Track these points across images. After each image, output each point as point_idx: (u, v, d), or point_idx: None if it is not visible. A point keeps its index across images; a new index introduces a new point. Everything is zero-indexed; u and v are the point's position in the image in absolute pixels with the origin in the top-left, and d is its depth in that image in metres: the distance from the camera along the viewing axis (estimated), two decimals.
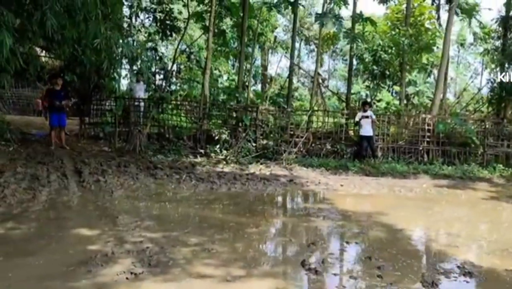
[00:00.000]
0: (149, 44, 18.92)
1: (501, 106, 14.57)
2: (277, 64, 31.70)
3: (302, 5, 18.45)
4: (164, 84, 19.08)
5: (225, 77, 23.86)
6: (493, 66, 16.52)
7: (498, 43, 16.40)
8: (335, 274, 4.47)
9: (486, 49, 17.19)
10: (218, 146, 12.17)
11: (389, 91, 19.40)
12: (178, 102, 14.73)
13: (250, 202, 7.86)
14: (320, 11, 14.76)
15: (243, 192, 8.52)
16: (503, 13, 15.59)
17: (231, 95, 14.79)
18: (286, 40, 27.51)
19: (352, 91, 21.80)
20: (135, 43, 18.10)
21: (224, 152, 11.96)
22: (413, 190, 9.61)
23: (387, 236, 6.00)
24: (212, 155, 11.81)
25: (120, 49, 11.96)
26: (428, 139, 12.85)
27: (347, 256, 5.23)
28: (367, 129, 12.34)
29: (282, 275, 4.41)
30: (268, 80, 27.17)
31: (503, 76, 13.89)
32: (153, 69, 20.61)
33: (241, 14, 14.54)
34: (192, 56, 20.69)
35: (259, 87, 28.02)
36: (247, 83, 18.38)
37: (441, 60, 13.75)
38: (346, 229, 6.33)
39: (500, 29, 15.78)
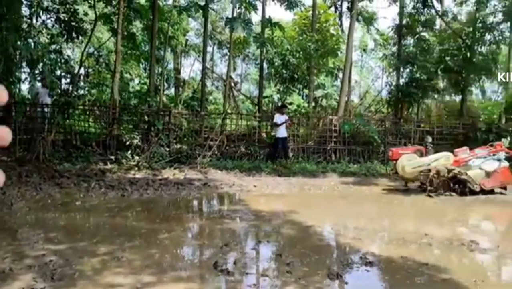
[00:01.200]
0: (53, 46, 17.82)
1: (398, 107, 15.82)
2: (191, 68, 31.46)
3: (213, 9, 18.55)
4: (70, 88, 18.08)
5: (136, 81, 23.21)
6: (390, 70, 17.89)
7: (394, 49, 17.78)
8: (247, 274, 4.56)
9: (384, 54, 18.57)
10: (129, 152, 11.82)
11: (300, 94, 20.16)
12: (86, 107, 14.07)
13: (163, 208, 7.75)
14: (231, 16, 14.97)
15: (156, 197, 8.38)
16: (398, 21, 16.97)
17: (142, 99, 14.45)
18: (199, 44, 27.44)
19: (265, 94, 22.35)
20: (36, 45, 16.94)
21: (136, 157, 11.65)
22: (322, 188, 10.10)
23: (297, 233, 6.25)
24: (123, 161, 11.45)
25: (18, 51, 11.16)
26: (335, 139, 13.58)
27: (259, 255, 5.36)
28: (282, 131, 12.77)
29: (194, 278, 4.42)
30: (182, 84, 26.90)
31: (398, 79, 15.10)
32: (58, 73, 19.43)
33: (151, 17, 14.27)
34: (101, 60, 19.85)
35: (172, 91, 27.64)
36: (159, 87, 18.06)
37: (344, 64, 14.61)
38: (259, 229, 6.49)
39: (395, 36, 17.13)
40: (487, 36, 14.58)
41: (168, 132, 12.60)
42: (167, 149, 12.37)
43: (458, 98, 18.54)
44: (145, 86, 18.45)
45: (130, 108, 13.88)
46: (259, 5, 14.76)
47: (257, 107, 16.90)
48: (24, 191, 7.90)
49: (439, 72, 15.54)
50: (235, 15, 14.06)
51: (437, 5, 17.13)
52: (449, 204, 8.96)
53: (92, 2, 15.07)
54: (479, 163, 9.45)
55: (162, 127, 12.55)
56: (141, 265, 4.58)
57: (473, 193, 9.26)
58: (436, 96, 18.17)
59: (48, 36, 17.37)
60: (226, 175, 11.16)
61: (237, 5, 13.58)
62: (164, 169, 11.20)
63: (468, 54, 14.66)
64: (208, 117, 14.28)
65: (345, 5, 17.44)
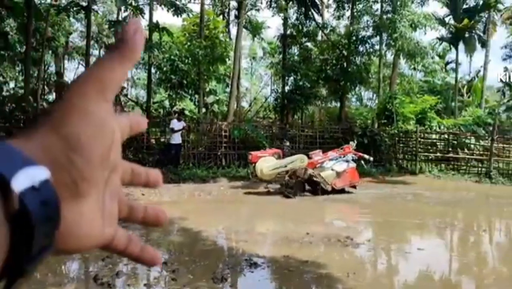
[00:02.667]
0: None
1: (284, 113, 16.55)
2: (75, 72, 29.62)
3: (96, 11, 17.68)
4: None
5: (12, 84, 21.26)
6: (277, 78, 18.68)
7: (281, 57, 18.61)
8: (129, 285, 4.43)
9: (271, 62, 19.34)
10: None
11: (192, 100, 20.09)
12: None
13: None
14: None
15: None
16: (282, 31, 17.81)
17: (18, 104, 13.24)
18: (83, 47, 26.00)
19: (155, 100, 21.90)
20: None
21: None
22: (212, 193, 10.16)
23: (185, 240, 6.23)
24: None
25: None
26: (225, 144, 13.75)
27: (143, 265, 5.22)
28: (176, 138, 12.62)
29: None
30: (65, 88, 25.19)
31: (283, 87, 15.82)
32: None
33: (26, 15, 13.18)
34: None
35: (54, 96, 25.80)
36: (39, 92, 16.75)
37: (233, 71, 14.89)
38: (145, 238, 6.32)
39: (281, 45, 17.94)
40: (361, 48, 15.98)
41: None
42: None
43: (338, 104, 19.97)
44: (22, 91, 16.99)
45: (3, 114, 12.63)
46: (147, 9, 14.44)
47: (145, 113, 16.43)
48: None
49: (320, 80, 16.61)
50: (121, 18, 13.55)
51: (318, 18, 18.33)
52: (316, 203, 9.45)
53: None
54: (331, 165, 10.03)
55: None
56: None
57: (325, 192, 9.78)
58: (318, 103, 19.35)
59: None
60: None
61: (123, 8, 13.13)
62: None
63: (345, 64, 15.90)
64: None
65: (233, 13, 17.81)
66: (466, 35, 25.63)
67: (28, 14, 12.76)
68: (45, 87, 26.73)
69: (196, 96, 19.23)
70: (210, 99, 21.07)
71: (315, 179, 9.70)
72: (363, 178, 13.79)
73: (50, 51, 21.88)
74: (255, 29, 19.37)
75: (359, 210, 9.25)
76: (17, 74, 21.49)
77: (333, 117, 17.93)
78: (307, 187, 9.88)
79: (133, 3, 13.14)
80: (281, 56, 18.08)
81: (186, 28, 18.25)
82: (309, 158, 10.09)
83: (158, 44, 14.47)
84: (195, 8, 17.65)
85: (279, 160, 10.04)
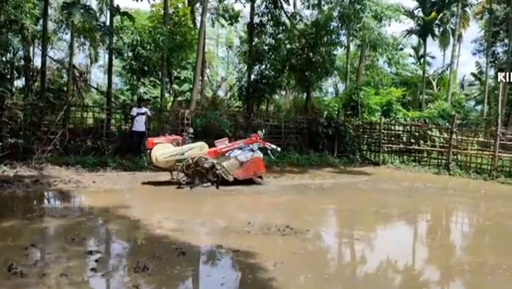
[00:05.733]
0: None
1: (250, 102, 16.42)
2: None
3: None
4: None
5: None
6: (243, 66, 18.46)
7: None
8: (44, 275, 4.28)
9: (239, 50, 19.13)
10: None
11: (167, 89, 19.75)
12: None
13: None
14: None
15: None
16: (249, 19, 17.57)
17: None
18: (54, 31, 25.28)
19: (127, 87, 21.46)
20: None
21: None
22: (166, 181, 9.99)
23: (120, 229, 6.15)
24: None
25: None
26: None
27: (66, 253, 5.06)
28: (137, 125, 12.46)
29: None
30: (33, 73, 24.56)
31: (249, 76, 15.63)
32: None
33: None
34: None
35: (24, 81, 25.18)
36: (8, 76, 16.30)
37: (196, 58, 14.64)
38: (80, 226, 6.17)
39: (254, 33, 17.72)
40: (325, 38, 15.80)
41: (1, 126, 11.38)
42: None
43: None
44: None
45: None
46: None
47: (106, 99, 16.02)
48: None
49: (285, 70, 16.47)
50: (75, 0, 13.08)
51: (289, 7, 18.15)
52: (263, 192, 9.40)
53: None
54: (237, 154, 9.84)
55: None
56: None
57: (227, 183, 9.50)
58: (284, 92, 19.28)
59: None
60: (65, 171, 10.47)
61: None
62: None
63: (311, 54, 15.79)
64: (59, 110, 13.12)
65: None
66: (436, 28, 25.94)
67: None
68: (14, 71, 26.02)
69: (169, 84, 18.93)
70: (184, 87, 20.81)
71: (216, 168, 9.41)
72: (324, 168, 13.93)
73: (20, 36, 21.22)
74: (234, 17, 18.99)
75: (309, 200, 9.18)
76: None
77: (300, 108, 17.89)
78: (207, 177, 9.46)
79: None
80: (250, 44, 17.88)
81: (155, 15, 17.92)
82: (215, 146, 9.90)
83: (118, 28, 14.11)
84: None
85: (177, 146, 9.65)
